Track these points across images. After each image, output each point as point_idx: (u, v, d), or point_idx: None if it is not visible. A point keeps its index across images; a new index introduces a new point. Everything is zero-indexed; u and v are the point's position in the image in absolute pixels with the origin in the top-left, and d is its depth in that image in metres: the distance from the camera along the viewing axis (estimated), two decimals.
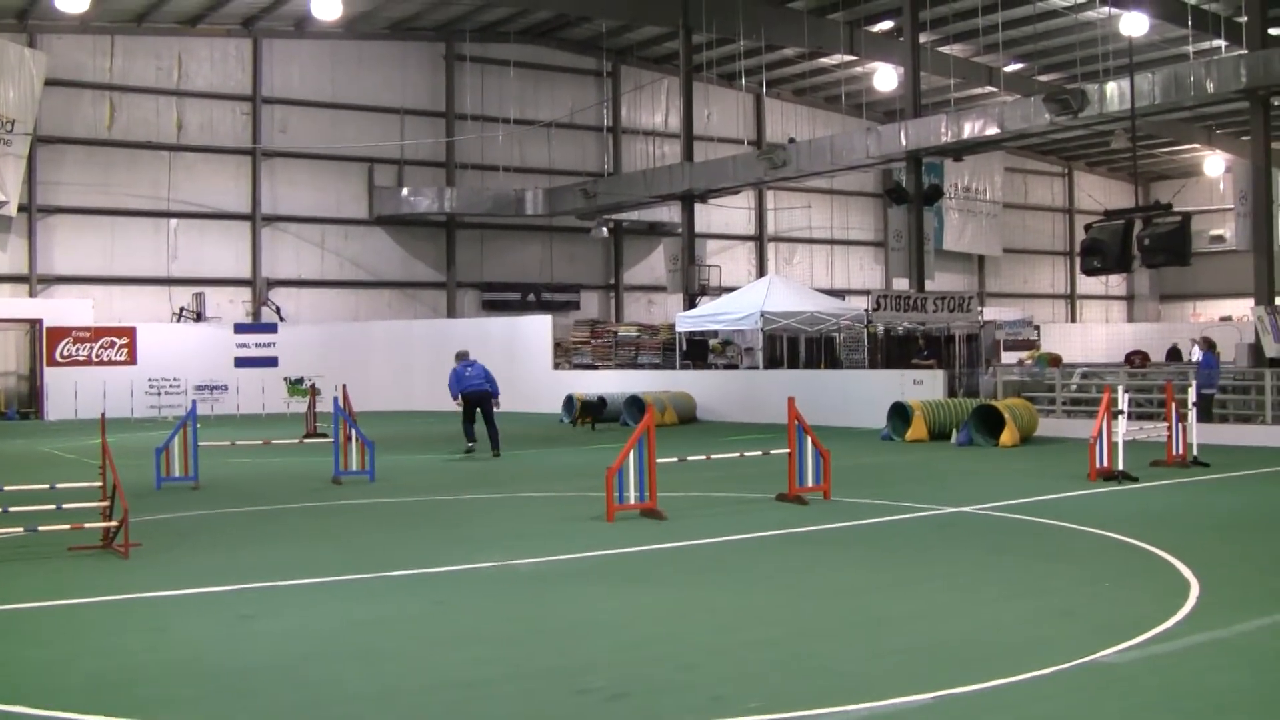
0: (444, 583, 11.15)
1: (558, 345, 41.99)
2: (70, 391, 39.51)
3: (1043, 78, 49.95)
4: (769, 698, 7.20)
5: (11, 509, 12.91)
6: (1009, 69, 49.92)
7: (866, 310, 34.42)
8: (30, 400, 41.25)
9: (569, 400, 35.48)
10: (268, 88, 45.98)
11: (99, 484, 13.57)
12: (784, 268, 56.12)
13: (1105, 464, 18.33)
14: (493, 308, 49.45)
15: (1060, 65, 49.08)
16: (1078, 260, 42.99)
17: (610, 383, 37.69)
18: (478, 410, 24.17)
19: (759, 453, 18.35)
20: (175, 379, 41.17)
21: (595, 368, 41.68)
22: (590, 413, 32.55)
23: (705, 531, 13.76)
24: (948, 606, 9.91)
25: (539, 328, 42.17)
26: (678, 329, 39.52)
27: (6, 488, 14.61)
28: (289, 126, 46.48)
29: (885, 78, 47.10)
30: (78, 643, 9.01)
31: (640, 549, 12.68)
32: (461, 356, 24.83)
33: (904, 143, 36.14)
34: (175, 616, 9.85)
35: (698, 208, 45.46)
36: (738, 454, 19.00)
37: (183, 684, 7.78)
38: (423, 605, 10.17)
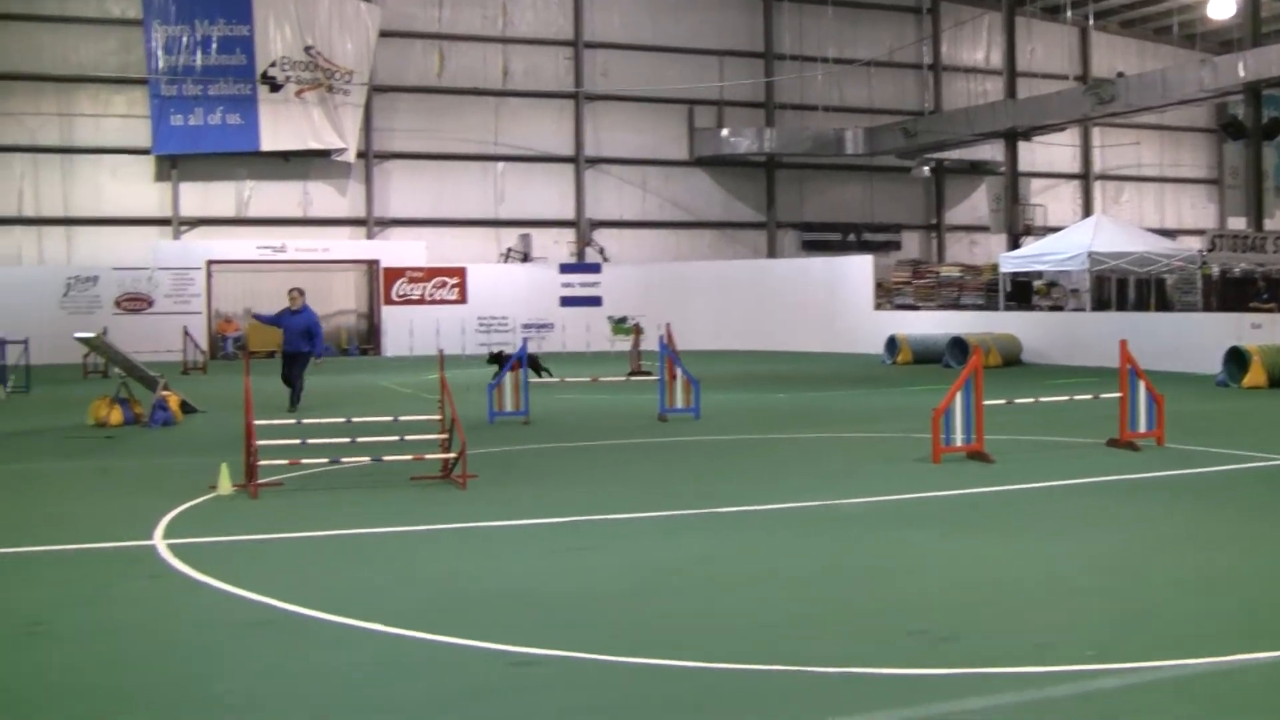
0: (770, 520, 11.25)
1: (879, 285, 41.79)
2: (405, 329, 41.35)
3: None
4: (1101, 648, 7.05)
5: (359, 439, 13.58)
6: None
7: (1201, 251, 33.15)
8: (369, 337, 43.29)
9: (891, 341, 35.28)
10: (589, 32, 46.77)
11: (438, 418, 14.19)
12: (1111, 207, 54.33)
13: None
14: (812, 248, 49.36)
15: None
16: None
17: (932, 323, 37.32)
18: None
19: (1088, 396, 17.85)
20: (504, 318, 42.58)
21: (917, 308, 41.23)
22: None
23: (1033, 475, 13.54)
24: None
25: (860, 268, 42.00)
26: (1002, 269, 38.73)
27: (354, 419, 15.38)
28: (610, 70, 47.18)
29: (1220, 6, 44.86)
30: (417, 568, 9.47)
31: (967, 492, 12.53)
32: (292, 299, 22.61)
33: (1242, 74, 34.57)
34: (509, 546, 10.25)
35: (1021, 146, 44.39)
36: (1066, 397, 18.54)
37: (514, 611, 8.08)
38: (748, 543, 10.30)
